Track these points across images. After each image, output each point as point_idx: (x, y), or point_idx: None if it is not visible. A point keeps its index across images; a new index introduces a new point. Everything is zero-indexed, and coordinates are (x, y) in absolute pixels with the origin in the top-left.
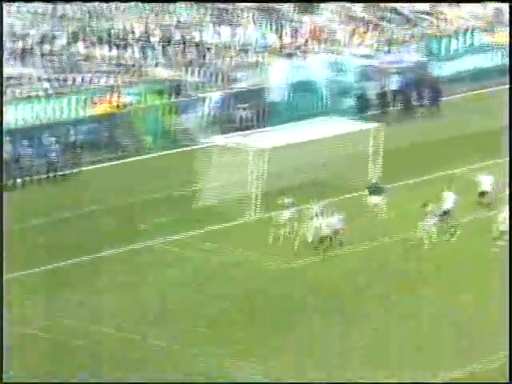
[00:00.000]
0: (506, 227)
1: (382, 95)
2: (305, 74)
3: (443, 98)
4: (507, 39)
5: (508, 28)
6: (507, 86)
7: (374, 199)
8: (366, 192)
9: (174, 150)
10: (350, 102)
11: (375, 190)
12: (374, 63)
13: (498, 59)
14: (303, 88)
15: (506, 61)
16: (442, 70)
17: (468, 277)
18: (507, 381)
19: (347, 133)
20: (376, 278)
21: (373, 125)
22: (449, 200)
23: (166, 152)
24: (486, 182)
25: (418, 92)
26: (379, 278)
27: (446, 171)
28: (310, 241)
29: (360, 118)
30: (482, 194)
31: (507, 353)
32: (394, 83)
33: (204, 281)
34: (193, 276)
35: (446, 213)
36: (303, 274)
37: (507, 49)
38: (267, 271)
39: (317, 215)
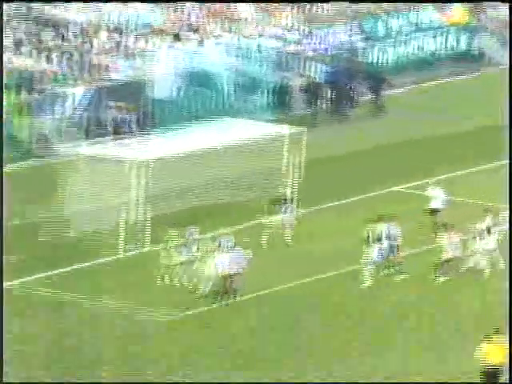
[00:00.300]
0: (452, 255)
1: (305, 89)
2: (200, 63)
3: (384, 92)
4: (465, 18)
5: (465, 5)
6: (465, 77)
7: (278, 219)
8: (266, 209)
9: (24, 163)
10: (260, 98)
11: (279, 205)
12: (292, 48)
13: (453, 43)
14: (198, 81)
15: (462, 45)
16: (382, 56)
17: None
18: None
19: (257, 139)
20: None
21: (290, 128)
22: (390, 234)
23: (12, 166)
24: (438, 197)
25: (352, 85)
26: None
27: (389, 188)
28: (199, 287)
29: (274, 120)
30: (433, 212)
31: None
32: (319, 74)
33: (43, 346)
34: (28, 336)
35: (386, 249)
36: (184, 332)
37: (464, 30)
38: (137, 326)
39: (210, 252)
